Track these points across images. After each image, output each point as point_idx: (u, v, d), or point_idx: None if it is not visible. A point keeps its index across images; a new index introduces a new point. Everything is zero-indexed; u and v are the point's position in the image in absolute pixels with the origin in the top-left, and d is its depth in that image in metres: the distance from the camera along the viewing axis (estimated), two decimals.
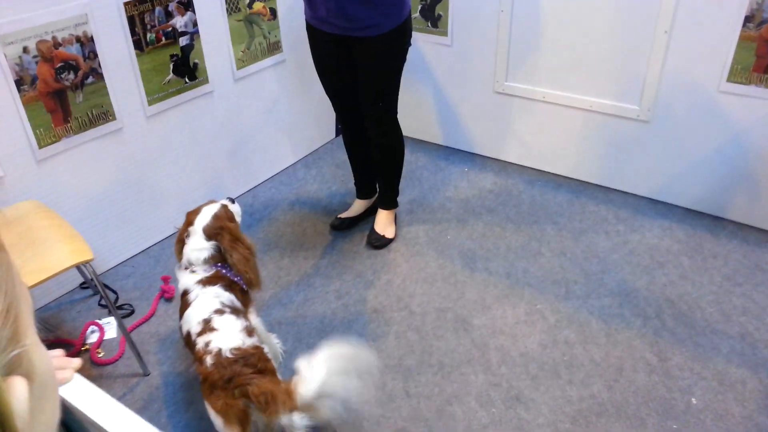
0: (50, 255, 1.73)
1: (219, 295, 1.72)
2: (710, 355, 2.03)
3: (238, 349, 1.55)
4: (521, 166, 3.13)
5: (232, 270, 1.80)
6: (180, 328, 1.76)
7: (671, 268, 2.41)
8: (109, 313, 2.26)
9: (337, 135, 3.43)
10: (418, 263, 2.49)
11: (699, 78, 2.46)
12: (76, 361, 0.80)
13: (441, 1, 2.91)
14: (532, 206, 2.82)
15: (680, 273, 2.39)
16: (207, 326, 1.62)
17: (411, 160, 3.16)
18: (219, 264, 1.80)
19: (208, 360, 1.54)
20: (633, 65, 2.58)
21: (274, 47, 2.83)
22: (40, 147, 2.09)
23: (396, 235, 2.65)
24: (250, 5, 2.64)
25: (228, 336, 1.58)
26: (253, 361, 1.54)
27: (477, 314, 2.23)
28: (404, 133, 2.53)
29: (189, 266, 1.80)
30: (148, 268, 2.51)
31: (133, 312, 2.29)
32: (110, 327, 2.21)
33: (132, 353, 2.03)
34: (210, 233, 1.82)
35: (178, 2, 2.34)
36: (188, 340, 1.67)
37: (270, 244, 2.63)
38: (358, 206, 2.76)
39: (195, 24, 2.43)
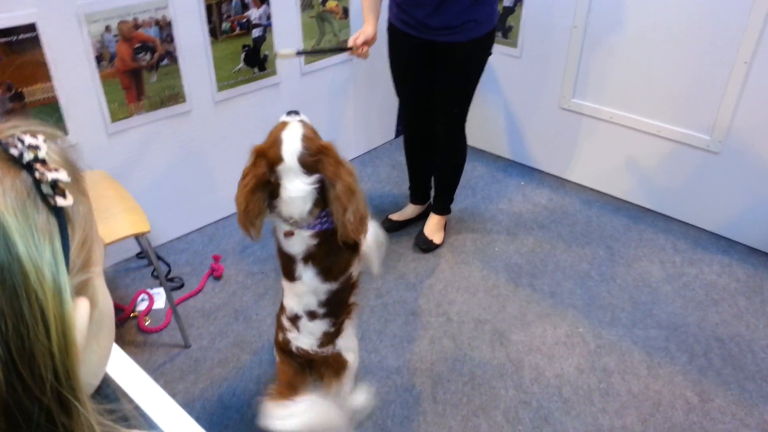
0: (111, 223, 1.82)
1: (316, 289, 1.44)
2: (757, 402, 1.93)
3: (306, 351, 1.55)
4: (580, 185, 3.06)
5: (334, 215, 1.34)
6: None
7: (726, 306, 2.31)
8: (160, 284, 2.36)
9: (396, 136, 3.46)
10: (462, 272, 2.48)
11: None
12: None
13: (513, 12, 2.89)
14: (587, 227, 2.76)
15: (735, 313, 2.28)
16: (295, 322, 1.53)
17: (468, 168, 3.12)
18: (323, 212, 1.36)
19: (285, 339, 1.58)
20: (708, 94, 2.48)
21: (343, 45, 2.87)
22: (113, 121, 2.20)
23: (444, 241, 2.64)
24: (323, 3, 2.70)
25: (304, 340, 1.56)
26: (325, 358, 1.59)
27: (516, 330, 2.20)
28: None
29: (291, 221, 1.36)
30: (202, 245, 2.60)
31: (182, 286, 2.39)
32: (159, 297, 2.31)
33: (176, 325, 2.12)
34: (309, 164, 1.31)
35: None
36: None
37: None
38: (410, 211, 2.77)
39: (269, 17, 2.51)
